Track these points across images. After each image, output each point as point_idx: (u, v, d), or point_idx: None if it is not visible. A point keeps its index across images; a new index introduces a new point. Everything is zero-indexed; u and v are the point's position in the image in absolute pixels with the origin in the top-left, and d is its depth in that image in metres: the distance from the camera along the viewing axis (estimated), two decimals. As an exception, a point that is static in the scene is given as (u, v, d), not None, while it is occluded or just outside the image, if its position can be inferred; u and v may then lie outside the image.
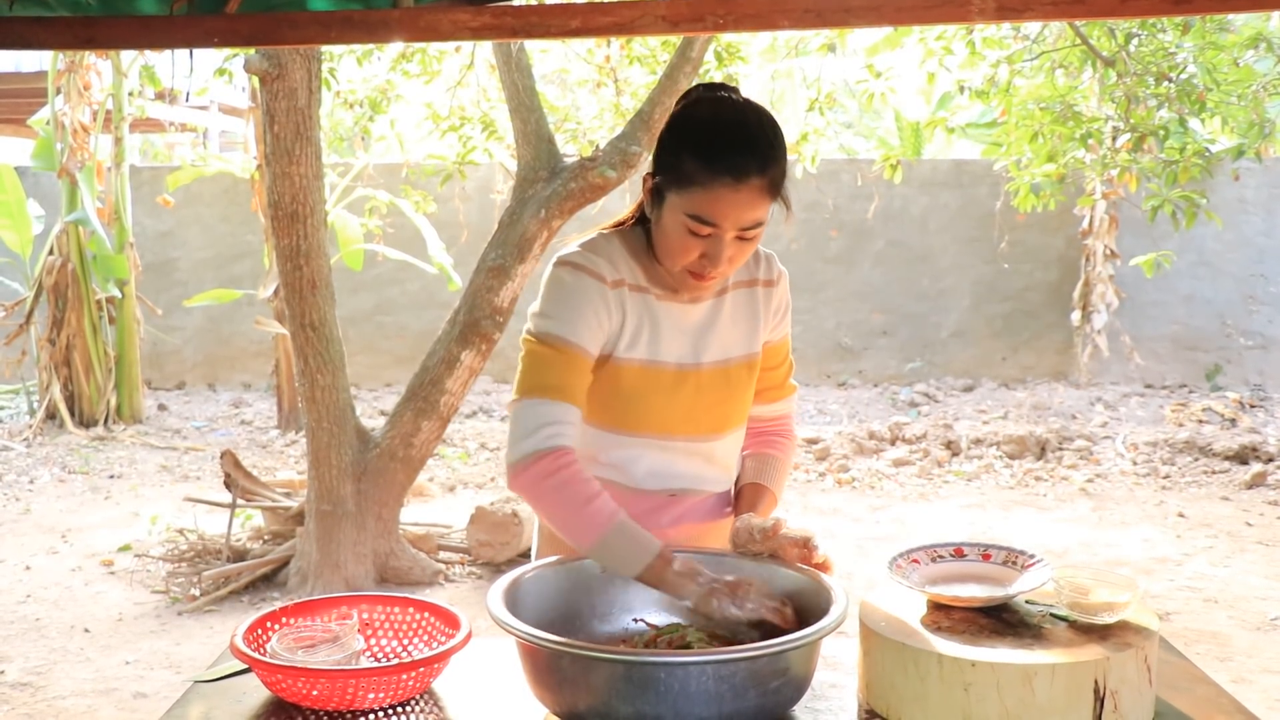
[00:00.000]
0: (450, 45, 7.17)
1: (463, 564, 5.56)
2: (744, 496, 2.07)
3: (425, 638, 1.87)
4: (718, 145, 1.76)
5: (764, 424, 2.15)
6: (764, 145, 1.78)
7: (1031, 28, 6.72)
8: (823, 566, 1.80)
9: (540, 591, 1.78)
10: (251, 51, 4.74)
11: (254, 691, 1.75)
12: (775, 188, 1.80)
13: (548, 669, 1.57)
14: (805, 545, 1.82)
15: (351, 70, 7.69)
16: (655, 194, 1.85)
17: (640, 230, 1.96)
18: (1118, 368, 9.99)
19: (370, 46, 6.86)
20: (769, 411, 2.14)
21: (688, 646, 1.70)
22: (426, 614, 1.89)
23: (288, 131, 4.77)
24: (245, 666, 1.74)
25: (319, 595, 2.03)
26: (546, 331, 1.86)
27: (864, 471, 7.51)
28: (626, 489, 1.98)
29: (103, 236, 8.75)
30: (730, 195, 1.76)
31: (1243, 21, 6.31)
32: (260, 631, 1.81)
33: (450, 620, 1.83)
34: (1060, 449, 7.88)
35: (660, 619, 1.82)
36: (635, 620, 1.80)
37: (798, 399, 2.21)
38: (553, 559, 1.86)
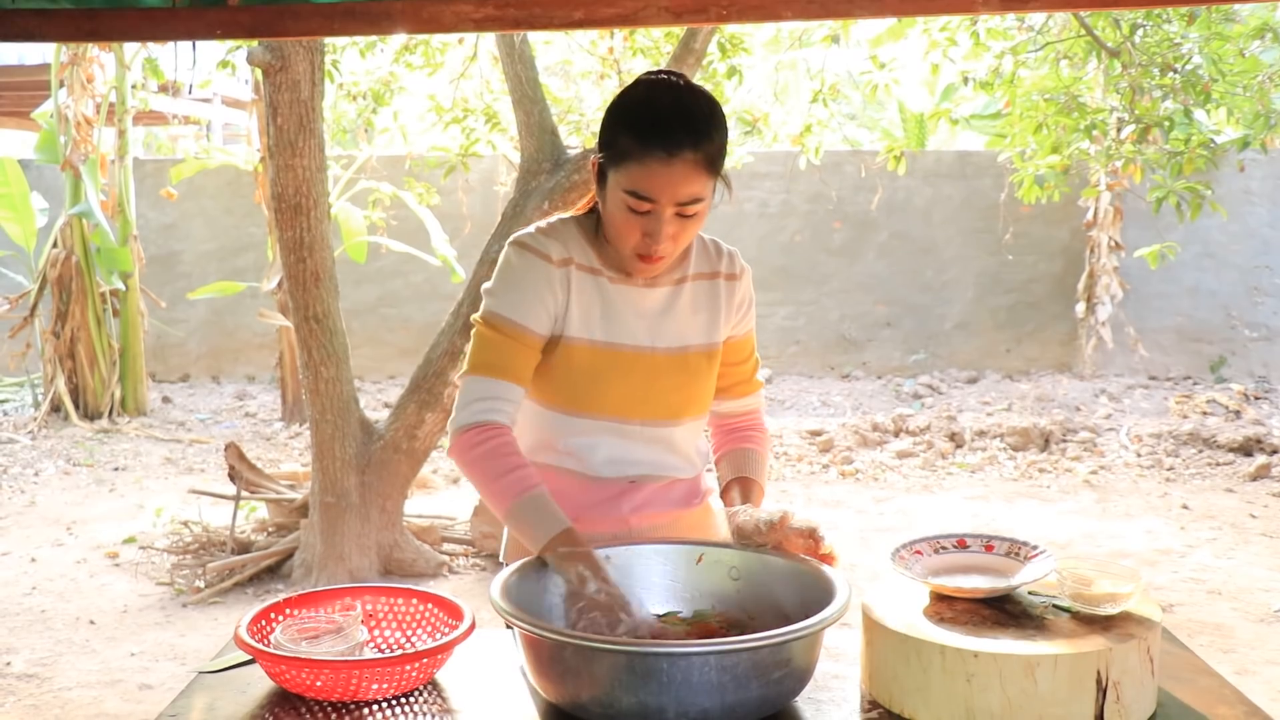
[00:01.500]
0: (453, 37, 7.17)
1: (466, 555, 5.57)
2: (734, 492, 2.05)
3: (429, 629, 1.87)
4: (650, 120, 1.80)
5: (735, 420, 2.15)
6: (697, 121, 1.80)
7: (1036, 19, 6.70)
8: (827, 558, 1.80)
9: (544, 582, 1.78)
10: (254, 43, 4.74)
11: (258, 682, 1.76)
12: (711, 164, 1.81)
13: (550, 660, 1.57)
14: (811, 537, 1.82)
15: (354, 62, 7.68)
16: (600, 175, 1.88)
17: (596, 217, 1.98)
18: (1122, 359, 9.98)
19: (373, 38, 6.85)
20: (738, 407, 2.14)
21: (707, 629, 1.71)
22: (430, 605, 1.89)
23: (291, 124, 4.77)
24: (249, 658, 1.75)
25: (323, 587, 2.03)
26: (491, 311, 1.92)
27: (867, 463, 7.51)
28: (585, 477, 1.98)
29: (106, 229, 8.75)
30: (663, 169, 1.78)
31: (1249, 11, 6.28)
32: (264, 623, 1.81)
33: (454, 611, 1.84)
34: (1064, 441, 7.87)
35: (665, 609, 1.82)
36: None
37: (765, 395, 2.21)
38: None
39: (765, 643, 1.51)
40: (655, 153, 1.77)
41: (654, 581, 1.83)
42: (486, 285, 1.95)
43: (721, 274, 2.04)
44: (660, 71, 1.92)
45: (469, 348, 1.95)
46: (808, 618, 1.57)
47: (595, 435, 1.97)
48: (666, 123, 1.79)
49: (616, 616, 1.65)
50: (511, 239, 1.96)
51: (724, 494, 2.08)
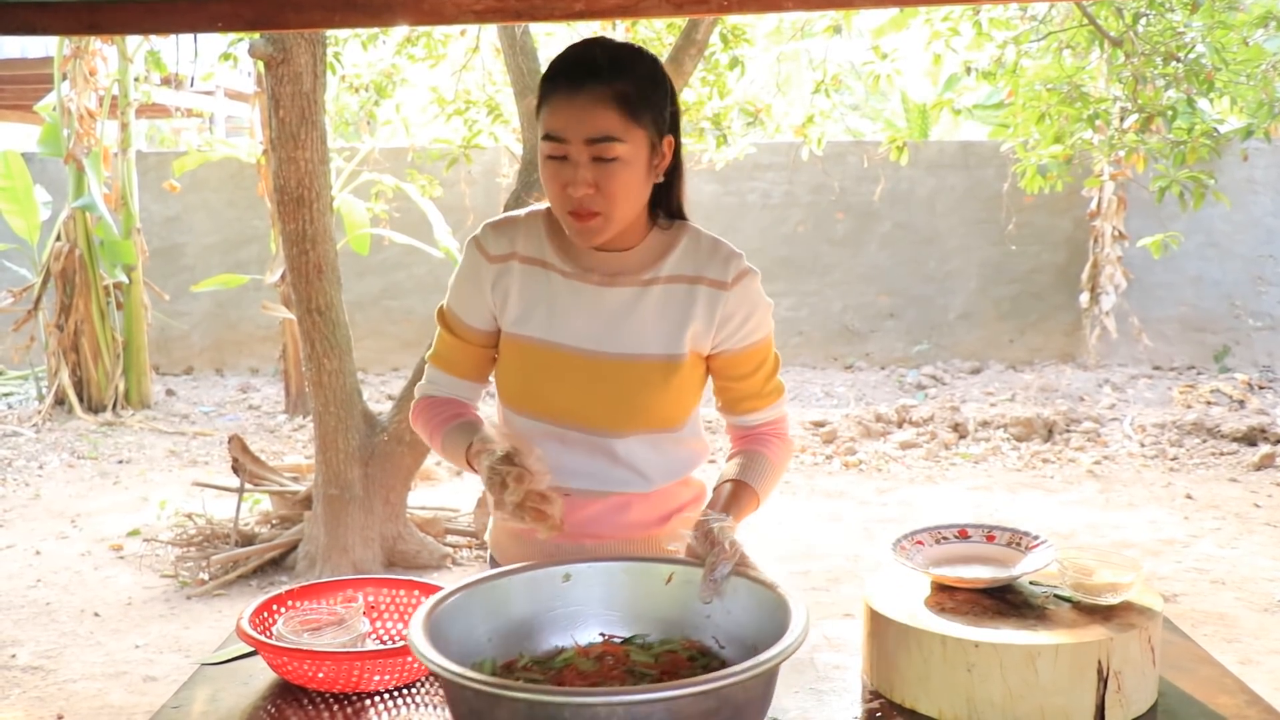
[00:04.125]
0: (455, 29, 7.16)
1: (470, 547, 5.58)
2: (715, 495, 1.84)
3: (431, 620, 1.87)
4: (560, 62, 1.78)
5: (749, 429, 1.96)
6: (607, 58, 1.75)
7: (1038, 8, 6.68)
8: (726, 555, 1.64)
9: (490, 605, 1.64)
10: (256, 36, 4.73)
11: (260, 674, 1.77)
12: (624, 101, 1.73)
13: (454, 701, 1.42)
14: (708, 538, 1.66)
15: (356, 54, 7.68)
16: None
17: None
18: (1125, 349, 9.97)
19: (375, 30, 6.84)
20: (752, 420, 1.94)
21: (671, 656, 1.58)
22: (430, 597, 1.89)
23: (293, 116, 4.77)
24: (252, 649, 1.75)
25: (326, 579, 2.04)
26: (444, 303, 1.98)
27: (871, 454, 7.51)
28: None
29: (110, 222, 8.75)
30: (566, 102, 1.73)
31: (1252, 0, 6.27)
32: (266, 614, 1.82)
33: (456, 603, 1.84)
34: (1068, 431, 7.87)
35: (632, 631, 1.68)
36: (601, 635, 1.67)
37: (786, 401, 2.00)
38: (508, 568, 1.72)
39: (685, 692, 1.31)
40: (560, 88, 1.74)
41: (622, 600, 1.69)
42: None
43: (704, 280, 1.83)
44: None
45: None
46: (769, 649, 1.40)
47: (538, 438, 1.84)
48: (574, 60, 1.76)
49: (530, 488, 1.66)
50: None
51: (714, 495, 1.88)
